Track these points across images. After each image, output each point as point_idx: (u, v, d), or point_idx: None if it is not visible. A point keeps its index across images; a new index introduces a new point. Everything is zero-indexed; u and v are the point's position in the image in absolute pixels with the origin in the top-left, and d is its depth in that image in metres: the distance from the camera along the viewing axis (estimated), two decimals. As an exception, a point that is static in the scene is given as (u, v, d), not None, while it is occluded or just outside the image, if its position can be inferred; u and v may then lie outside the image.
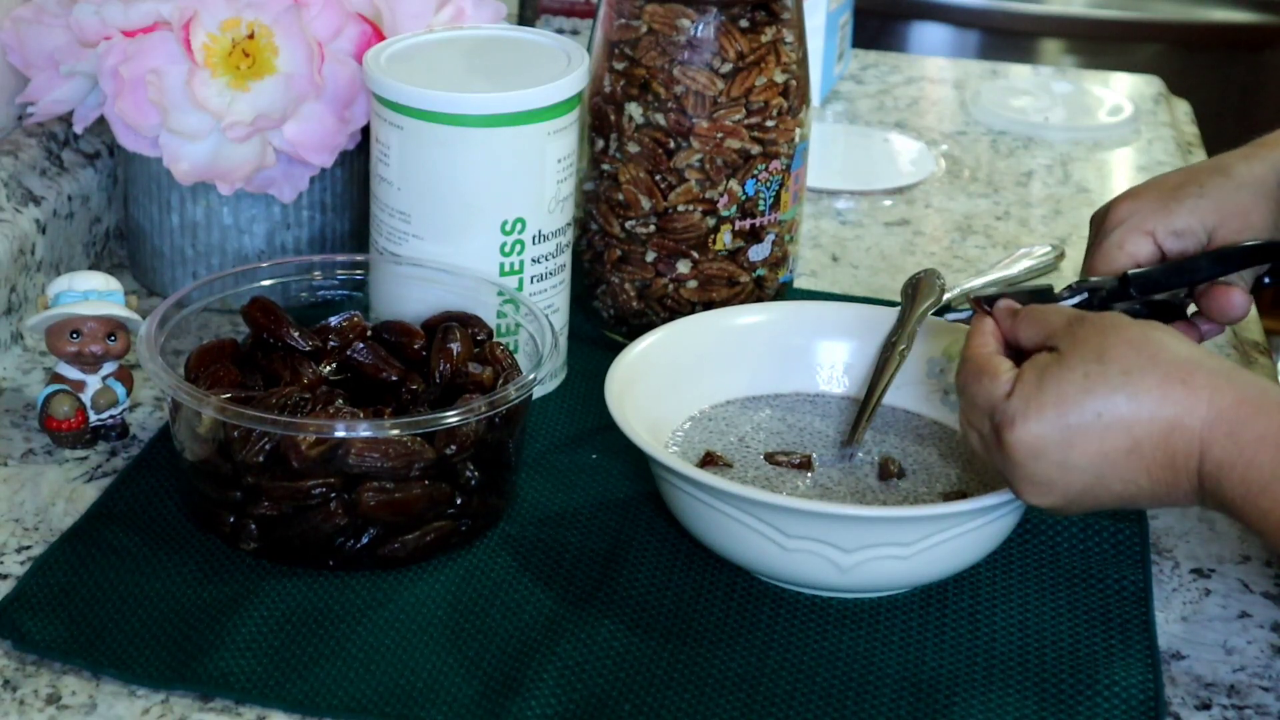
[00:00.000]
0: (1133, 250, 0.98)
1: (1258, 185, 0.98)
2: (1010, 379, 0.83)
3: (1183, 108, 1.65)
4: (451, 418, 0.87)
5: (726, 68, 1.05)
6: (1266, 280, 1.00)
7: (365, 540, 0.88)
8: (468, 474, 0.90)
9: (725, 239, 1.08)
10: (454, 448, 0.88)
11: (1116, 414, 0.80)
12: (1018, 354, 0.86)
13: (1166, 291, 0.97)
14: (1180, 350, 0.81)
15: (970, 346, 0.87)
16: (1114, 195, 1.01)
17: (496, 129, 0.98)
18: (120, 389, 0.99)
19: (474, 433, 0.89)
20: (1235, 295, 0.96)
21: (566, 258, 1.05)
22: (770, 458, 0.95)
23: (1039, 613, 0.88)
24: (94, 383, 0.98)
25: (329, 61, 1.06)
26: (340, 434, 0.86)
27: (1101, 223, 1.00)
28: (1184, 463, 0.80)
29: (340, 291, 1.02)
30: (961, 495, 0.92)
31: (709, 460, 0.94)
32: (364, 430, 0.86)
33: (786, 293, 1.13)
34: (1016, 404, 0.82)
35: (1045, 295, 0.94)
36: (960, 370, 0.86)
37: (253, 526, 0.88)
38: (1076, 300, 0.95)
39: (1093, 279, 0.97)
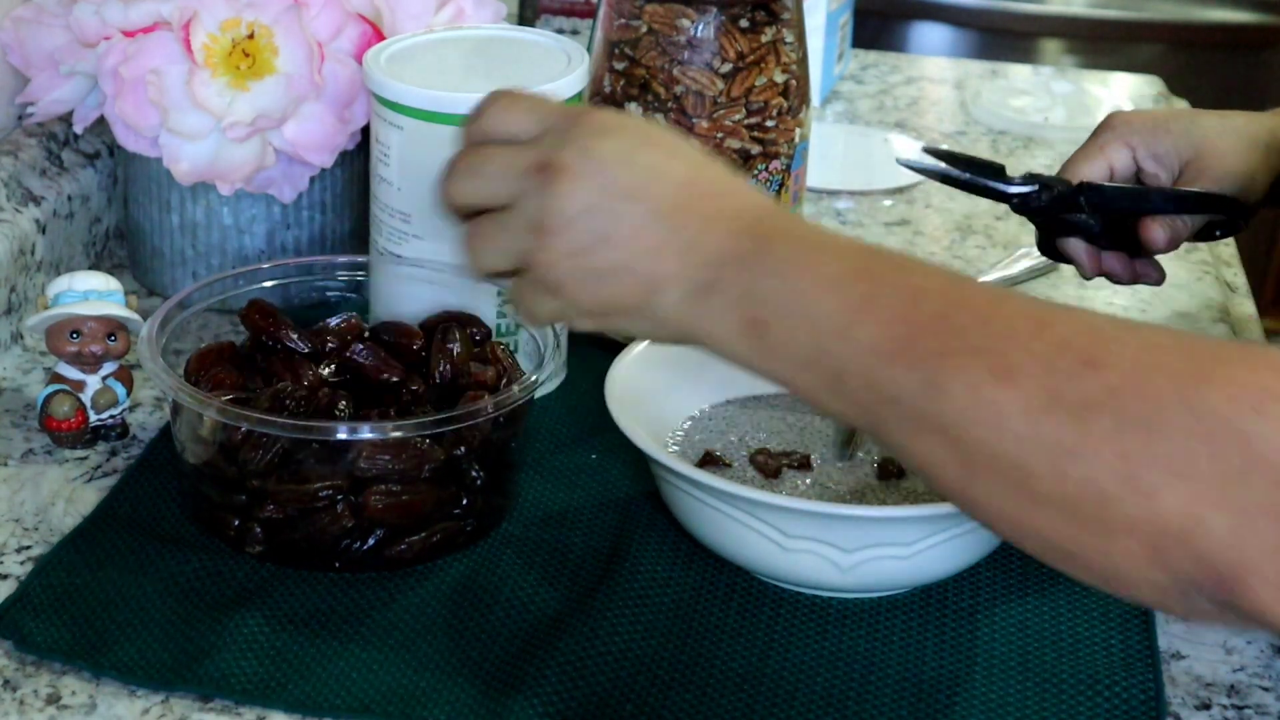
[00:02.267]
0: (1111, 156, 1.04)
1: (1248, 135, 1.03)
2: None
3: (1182, 108, 1.65)
4: (465, 418, 0.87)
5: (726, 68, 1.05)
6: (1218, 233, 1.07)
7: (371, 542, 0.88)
8: (473, 474, 0.90)
9: (725, 239, 1.08)
10: (463, 449, 0.88)
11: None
12: None
13: (1114, 212, 1.02)
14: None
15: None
16: None
17: (497, 129, 0.98)
18: (120, 389, 0.99)
19: (481, 433, 0.89)
20: (1156, 229, 1.01)
21: (567, 258, 1.04)
22: (755, 459, 0.94)
23: (1039, 613, 0.88)
24: (94, 383, 0.98)
25: (329, 61, 1.06)
26: (342, 435, 0.86)
27: (1100, 128, 1.06)
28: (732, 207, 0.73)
29: (340, 292, 1.02)
30: (962, 495, 0.92)
31: (709, 460, 0.94)
32: (369, 432, 0.86)
33: (786, 293, 1.13)
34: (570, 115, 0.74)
35: (998, 172, 1.02)
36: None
37: (258, 530, 0.88)
38: (1026, 190, 1.01)
39: (1049, 176, 1.03)
